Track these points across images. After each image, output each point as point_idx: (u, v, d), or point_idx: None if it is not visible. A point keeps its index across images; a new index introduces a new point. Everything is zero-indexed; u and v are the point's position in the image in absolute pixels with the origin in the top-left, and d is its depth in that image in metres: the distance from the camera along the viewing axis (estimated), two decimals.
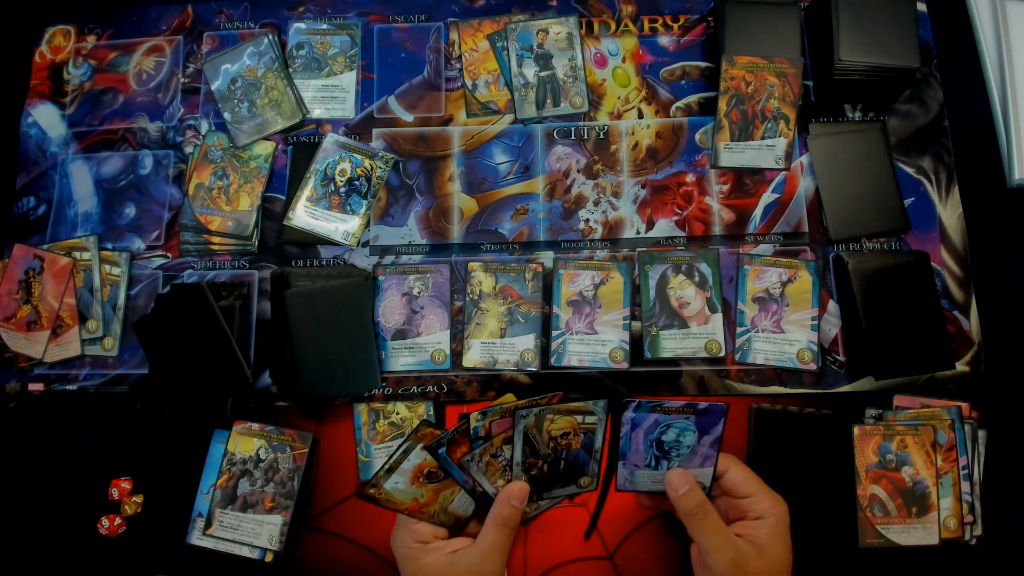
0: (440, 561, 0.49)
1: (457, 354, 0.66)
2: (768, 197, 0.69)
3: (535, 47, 0.73)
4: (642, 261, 0.68)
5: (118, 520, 0.65)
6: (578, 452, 0.52)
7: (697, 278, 0.67)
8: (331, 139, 0.71)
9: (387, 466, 0.50)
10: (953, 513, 0.60)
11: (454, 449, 0.50)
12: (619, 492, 0.55)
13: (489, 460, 0.51)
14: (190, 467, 0.64)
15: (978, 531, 0.61)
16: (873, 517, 0.60)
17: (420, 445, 0.50)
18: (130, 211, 0.72)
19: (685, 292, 0.67)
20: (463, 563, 0.48)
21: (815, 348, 0.65)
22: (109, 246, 0.71)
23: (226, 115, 0.72)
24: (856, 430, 0.62)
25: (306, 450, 0.64)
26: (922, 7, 0.73)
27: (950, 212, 0.68)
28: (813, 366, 0.65)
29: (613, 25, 0.74)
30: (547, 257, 0.68)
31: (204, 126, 0.73)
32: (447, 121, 0.73)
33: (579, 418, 0.51)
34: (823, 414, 0.63)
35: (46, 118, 0.75)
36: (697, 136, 0.71)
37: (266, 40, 0.73)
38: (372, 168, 0.71)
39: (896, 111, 0.71)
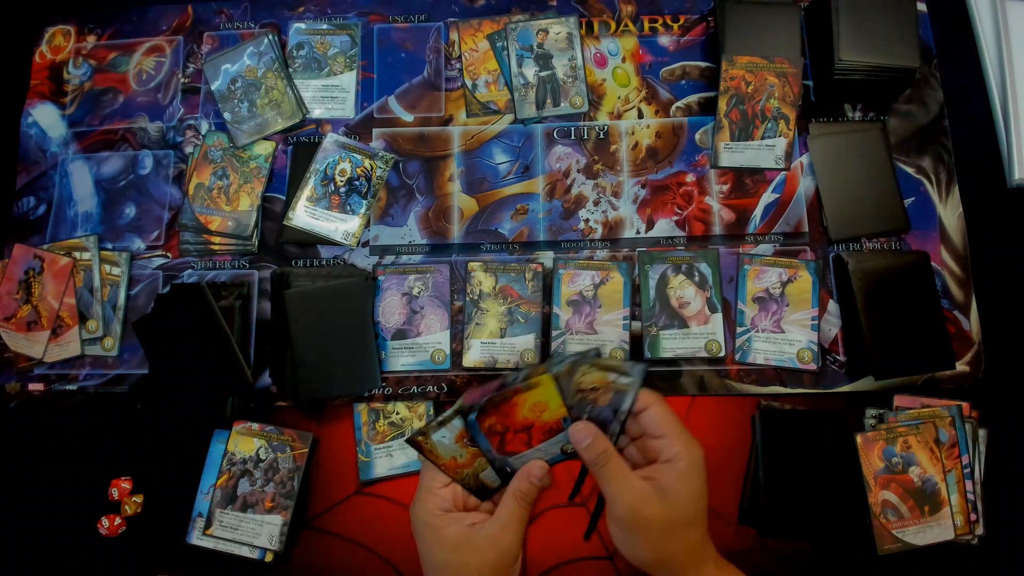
0: (461, 532, 0.50)
1: (457, 354, 0.66)
2: (768, 197, 0.69)
3: (535, 47, 0.73)
4: (642, 261, 0.67)
5: (118, 520, 0.65)
6: (603, 409, 0.52)
7: (697, 278, 0.67)
8: (331, 139, 0.71)
9: (440, 419, 0.51)
10: (960, 510, 0.60)
11: (484, 419, 0.50)
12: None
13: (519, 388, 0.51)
14: (190, 467, 0.64)
15: (980, 530, 0.61)
16: (888, 523, 0.60)
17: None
18: (130, 211, 0.72)
19: (685, 292, 0.67)
20: (483, 534, 0.49)
21: (815, 348, 0.65)
22: (109, 246, 0.71)
23: (226, 115, 0.72)
24: (859, 438, 0.61)
25: (306, 450, 0.64)
26: (922, 7, 0.73)
27: (950, 212, 0.68)
28: (813, 366, 0.65)
29: (613, 25, 0.74)
30: (547, 257, 0.68)
31: (204, 126, 0.73)
32: (447, 121, 0.73)
33: (612, 376, 0.51)
34: (830, 413, 0.63)
35: (46, 118, 0.75)
36: (697, 136, 0.71)
37: (266, 40, 0.73)
38: (372, 168, 0.71)
39: (896, 111, 0.71)
